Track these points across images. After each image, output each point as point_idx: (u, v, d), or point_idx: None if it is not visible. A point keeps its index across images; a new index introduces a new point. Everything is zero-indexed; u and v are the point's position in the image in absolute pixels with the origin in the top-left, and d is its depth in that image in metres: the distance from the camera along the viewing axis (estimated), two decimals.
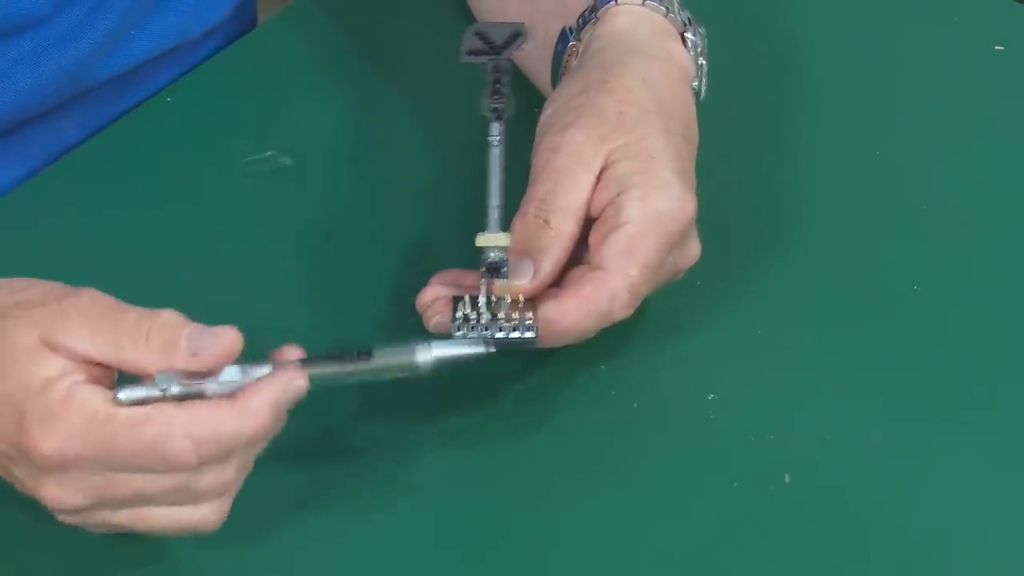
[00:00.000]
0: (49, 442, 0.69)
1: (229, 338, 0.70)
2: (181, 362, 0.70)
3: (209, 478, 0.70)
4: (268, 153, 0.93)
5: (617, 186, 0.78)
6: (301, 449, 0.78)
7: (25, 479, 0.71)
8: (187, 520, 0.71)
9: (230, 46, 1.03)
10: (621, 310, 0.77)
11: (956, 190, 0.92)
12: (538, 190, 0.79)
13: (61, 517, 0.71)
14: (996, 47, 1.00)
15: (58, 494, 0.70)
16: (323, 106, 0.97)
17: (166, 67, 0.99)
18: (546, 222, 0.78)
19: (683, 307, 0.84)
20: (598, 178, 0.79)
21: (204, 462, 0.69)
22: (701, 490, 0.78)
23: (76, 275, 0.73)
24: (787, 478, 0.78)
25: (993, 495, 0.78)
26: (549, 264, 0.77)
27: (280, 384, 0.70)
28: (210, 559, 0.75)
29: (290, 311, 0.84)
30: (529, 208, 0.78)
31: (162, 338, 0.70)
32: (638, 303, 0.78)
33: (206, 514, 0.71)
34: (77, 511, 0.70)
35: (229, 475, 0.70)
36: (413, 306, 0.79)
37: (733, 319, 0.85)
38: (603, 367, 0.82)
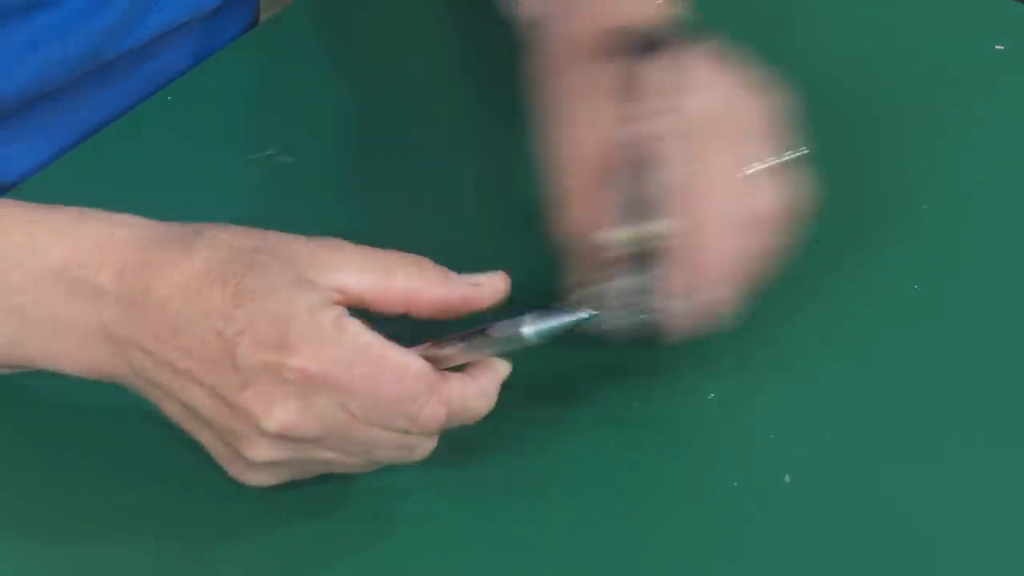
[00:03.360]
0: (319, 361, 0.68)
1: (500, 275, 0.72)
2: (461, 287, 0.71)
3: (429, 445, 0.72)
4: (268, 152, 0.93)
5: None
6: None
7: (254, 403, 0.68)
8: (366, 470, 0.73)
9: (230, 46, 1.03)
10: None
11: (956, 190, 0.92)
12: None
13: (270, 453, 0.70)
14: (996, 47, 1.01)
15: (298, 420, 0.68)
16: (323, 105, 0.97)
17: (180, 43, 0.99)
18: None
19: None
20: None
21: (442, 429, 0.71)
22: (701, 490, 0.78)
23: None
24: (787, 478, 0.78)
25: (993, 495, 0.78)
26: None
27: (505, 366, 0.72)
28: (209, 559, 0.75)
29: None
30: None
31: (436, 268, 0.71)
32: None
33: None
34: (303, 441, 0.69)
35: (434, 444, 0.72)
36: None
37: (733, 319, 0.85)
38: (603, 367, 0.82)
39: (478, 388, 0.72)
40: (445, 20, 1.02)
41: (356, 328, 0.69)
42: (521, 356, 0.80)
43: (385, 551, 0.76)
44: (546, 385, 0.81)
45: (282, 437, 0.69)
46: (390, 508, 0.76)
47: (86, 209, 0.74)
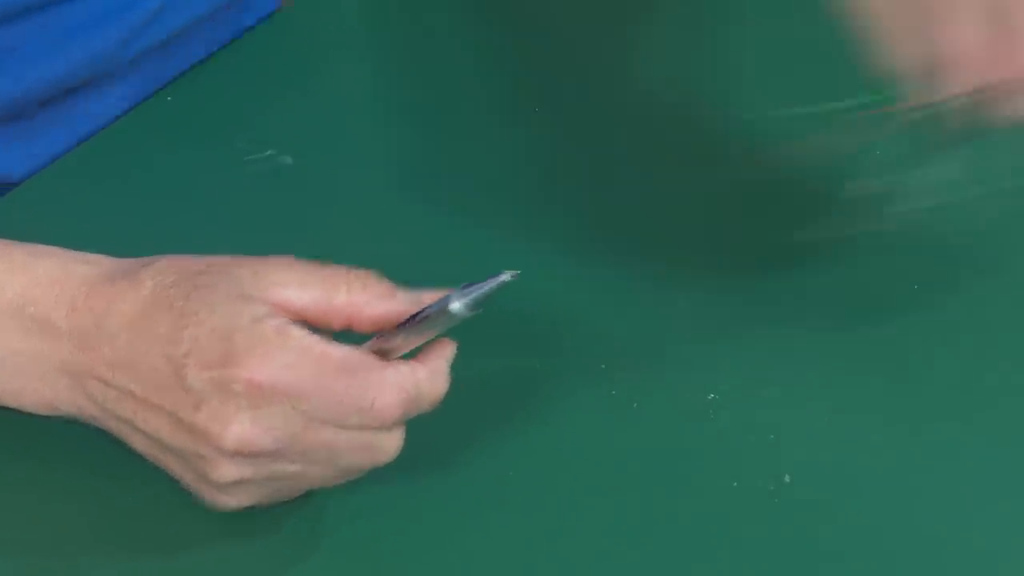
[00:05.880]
0: (263, 369, 0.68)
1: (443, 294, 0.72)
2: (405, 303, 0.71)
3: (394, 442, 0.71)
4: (268, 153, 0.93)
5: None
6: None
7: (209, 422, 0.68)
8: (339, 480, 0.72)
9: (230, 47, 1.03)
10: None
11: (956, 190, 0.92)
12: None
13: (234, 472, 0.70)
14: None
15: (252, 433, 0.68)
16: (324, 106, 0.97)
17: (199, 36, 0.99)
18: None
19: (683, 307, 0.85)
20: None
21: (401, 419, 0.70)
22: (701, 490, 0.78)
23: None
24: (787, 478, 0.78)
25: (993, 495, 0.78)
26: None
27: (450, 345, 0.72)
28: (209, 559, 0.75)
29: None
30: None
31: (381, 283, 0.71)
32: None
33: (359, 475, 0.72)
34: (264, 455, 0.69)
35: (399, 441, 0.72)
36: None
37: (733, 319, 0.85)
38: (603, 367, 0.82)
39: (427, 370, 0.71)
40: (445, 20, 1.02)
41: (298, 332, 0.69)
42: (521, 357, 0.80)
43: (384, 552, 0.76)
44: (545, 385, 0.81)
45: (242, 453, 0.69)
46: (388, 509, 0.76)
47: (42, 246, 0.76)
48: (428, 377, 0.71)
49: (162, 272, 0.71)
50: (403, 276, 0.82)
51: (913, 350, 0.83)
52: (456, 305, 0.71)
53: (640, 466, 0.79)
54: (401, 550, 0.75)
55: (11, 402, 0.75)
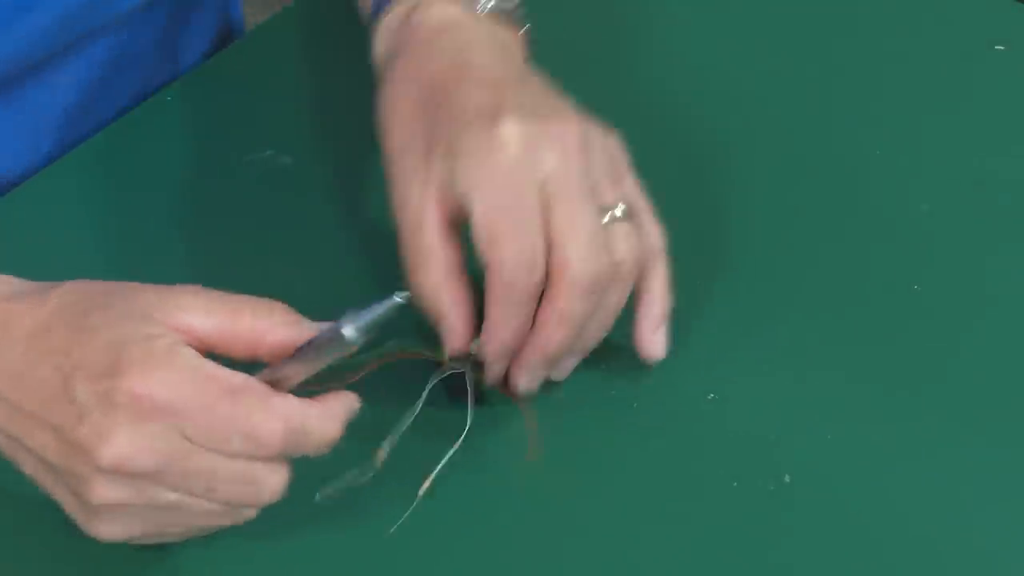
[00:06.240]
0: (146, 382, 0.67)
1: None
2: (308, 331, 0.71)
3: (277, 478, 0.70)
4: (268, 153, 0.93)
5: (454, 194, 0.76)
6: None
7: (89, 436, 0.67)
8: (223, 520, 0.71)
9: (230, 47, 1.03)
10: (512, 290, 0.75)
11: (956, 190, 0.92)
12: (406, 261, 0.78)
13: (109, 493, 0.68)
14: (996, 47, 1.01)
15: (130, 449, 0.67)
16: (323, 106, 0.97)
17: (151, 19, 0.99)
18: (422, 268, 0.77)
19: (683, 307, 0.84)
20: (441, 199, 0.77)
21: (283, 451, 0.69)
22: (701, 490, 0.78)
23: (75, 274, 0.73)
24: (787, 478, 0.78)
25: (993, 495, 0.78)
26: (451, 318, 0.77)
27: (353, 397, 0.71)
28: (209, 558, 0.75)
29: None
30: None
31: (287, 312, 0.71)
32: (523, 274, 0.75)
33: (245, 517, 0.71)
34: (142, 476, 0.68)
35: (283, 480, 0.70)
36: (412, 305, 0.79)
37: (733, 319, 0.85)
38: (603, 367, 0.82)
39: (318, 409, 0.70)
40: None
41: (189, 353, 0.69)
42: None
43: (382, 552, 0.76)
44: (545, 385, 0.81)
45: (118, 471, 0.68)
46: (387, 508, 0.76)
47: None
48: (318, 415, 0.70)
49: (68, 292, 0.71)
50: (404, 275, 0.82)
51: (913, 350, 0.83)
52: (348, 330, 0.70)
53: (640, 466, 0.79)
54: (400, 550, 0.75)
55: None
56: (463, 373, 0.78)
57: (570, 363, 0.80)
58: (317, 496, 0.75)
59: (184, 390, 0.68)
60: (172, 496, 0.69)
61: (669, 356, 0.82)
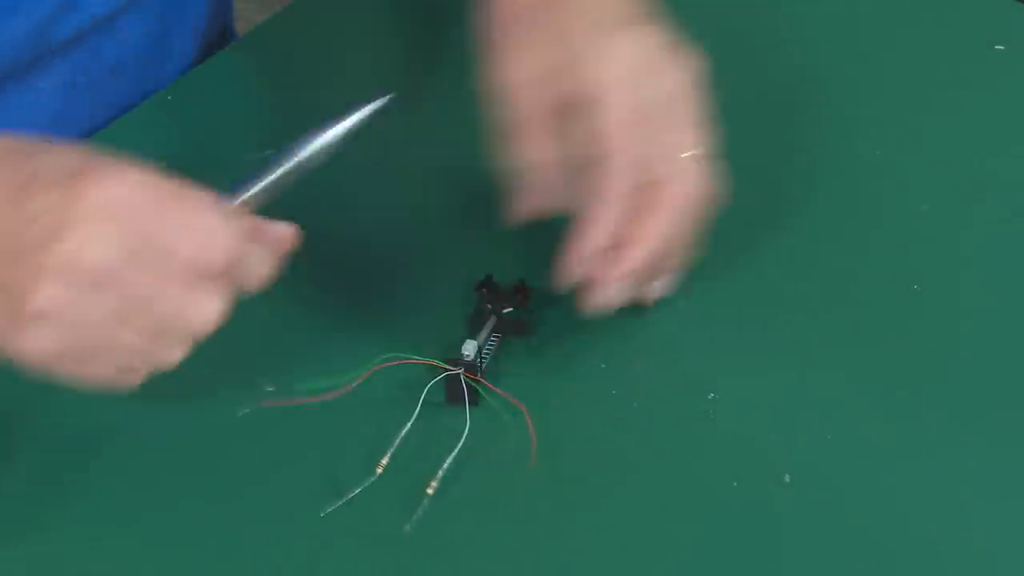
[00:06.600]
0: (105, 184, 0.68)
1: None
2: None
3: (214, 303, 0.70)
4: (268, 152, 0.93)
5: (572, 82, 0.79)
6: (313, 460, 0.78)
7: (41, 234, 0.67)
8: (143, 361, 0.71)
9: (230, 47, 1.03)
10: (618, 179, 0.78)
11: (956, 190, 0.92)
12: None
13: (52, 293, 0.68)
14: (996, 47, 1.01)
15: (80, 248, 0.67)
16: (323, 106, 0.96)
17: (137, 24, 0.99)
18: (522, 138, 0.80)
19: (683, 307, 0.85)
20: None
21: (223, 272, 0.70)
22: (701, 490, 0.78)
23: None
24: (787, 478, 0.78)
25: (993, 495, 0.77)
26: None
27: (291, 231, 0.75)
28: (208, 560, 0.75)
29: (290, 310, 0.84)
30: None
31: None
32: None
33: (173, 355, 0.71)
34: (88, 281, 0.68)
35: (218, 309, 0.71)
36: (414, 304, 0.79)
37: (733, 319, 0.85)
38: (603, 366, 0.82)
39: (260, 248, 0.72)
40: (446, 20, 1.02)
41: (147, 170, 0.70)
42: (522, 356, 0.80)
43: (382, 552, 0.76)
44: (546, 384, 0.81)
45: (66, 269, 0.67)
46: (388, 508, 0.76)
47: None
48: (259, 252, 0.72)
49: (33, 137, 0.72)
50: (403, 275, 0.82)
51: (913, 350, 0.83)
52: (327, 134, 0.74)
53: (640, 466, 0.79)
54: (400, 549, 0.75)
55: None
56: (458, 376, 0.78)
57: (620, 294, 0.81)
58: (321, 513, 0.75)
59: (139, 193, 0.69)
60: (109, 307, 0.69)
61: (669, 356, 0.83)
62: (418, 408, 0.77)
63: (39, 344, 0.69)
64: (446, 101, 0.97)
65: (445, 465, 0.77)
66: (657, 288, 0.83)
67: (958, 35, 1.02)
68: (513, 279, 0.83)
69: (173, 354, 0.72)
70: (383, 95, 0.76)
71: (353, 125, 0.75)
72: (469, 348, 0.77)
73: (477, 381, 0.78)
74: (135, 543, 0.76)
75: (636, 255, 0.79)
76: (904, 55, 1.00)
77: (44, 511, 0.77)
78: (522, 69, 0.80)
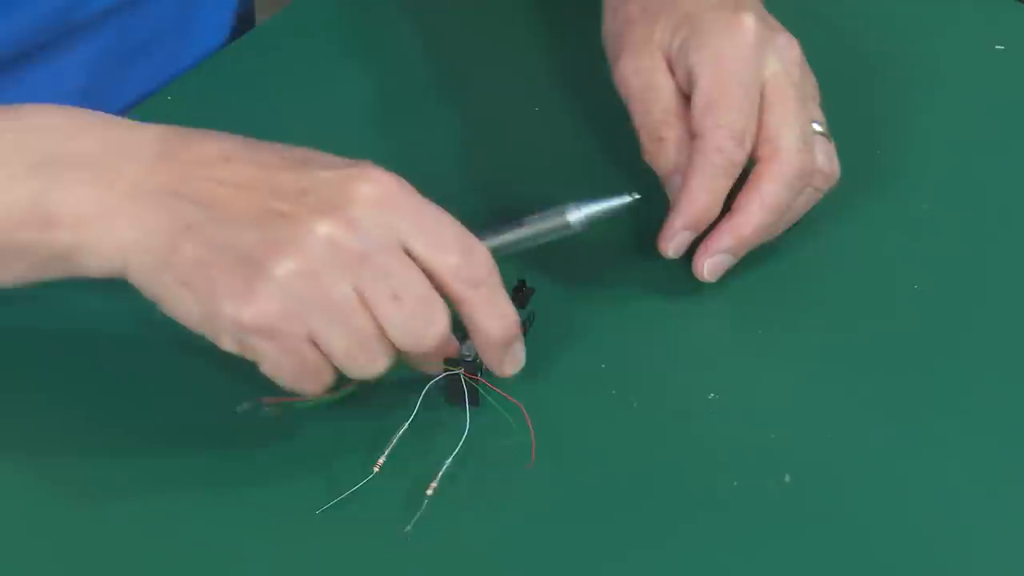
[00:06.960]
0: (382, 174, 0.71)
1: None
2: None
3: (443, 316, 0.72)
4: None
5: (684, 63, 0.83)
6: (311, 459, 0.78)
7: (332, 181, 0.71)
8: (358, 361, 0.72)
9: (230, 46, 1.03)
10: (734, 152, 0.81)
11: (956, 190, 0.92)
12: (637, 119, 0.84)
13: (313, 253, 0.69)
14: (996, 47, 1.01)
15: (361, 217, 0.70)
16: (323, 106, 0.97)
17: (163, 3, 0.99)
18: (660, 140, 0.83)
19: (683, 307, 0.85)
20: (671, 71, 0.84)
21: (487, 284, 0.73)
22: (701, 490, 0.78)
23: None
24: (787, 478, 0.78)
25: (993, 495, 0.77)
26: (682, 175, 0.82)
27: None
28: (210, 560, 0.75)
29: None
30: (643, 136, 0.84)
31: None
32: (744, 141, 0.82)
33: (382, 365, 0.72)
34: (352, 251, 0.70)
35: (446, 321, 0.72)
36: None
37: (733, 319, 0.85)
38: (603, 366, 0.82)
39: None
40: (446, 20, 1.02)
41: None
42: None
43: (381, 552, 0.76)
44: (546, 384, 0.81)
45: (336, 235, 0.69)
46: (385, 507, 0.76)
47: None
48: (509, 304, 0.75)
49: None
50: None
51: (913, 350, 0.83)
52: (572, 215, 0.76)
53: (640, 466, 0.79)
54: (400, 549, 0.75)
55: (73, 239, 0.72)
56: (458, 376, 0.78)
57: (726, 262, 0.84)
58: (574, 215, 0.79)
59: (414, 196, 0.72)
60: (348, 288, 0.70)
61: (669, 356, 0.83)
62: (417, 408, 0.77)
63: (268, 305, 0.70)
64: (446, 101, 0.97)
65: (445, 465, 0.77)
66: (708, 269, 0.84)
67: (958, 35, 1.02)
68: (513, 279, 0.83)
69: (378, 363, 0.72)
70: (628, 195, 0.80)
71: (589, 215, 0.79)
72: (469, 348, 0.77)
73: (477, 381, 0.78)
74: (130, 540, 0.76)
75: (746, 223, 0.82)
76: (904, 55, 1.00)
77: (43, 511, 0.77)
78: (647, 60, 0.84)
